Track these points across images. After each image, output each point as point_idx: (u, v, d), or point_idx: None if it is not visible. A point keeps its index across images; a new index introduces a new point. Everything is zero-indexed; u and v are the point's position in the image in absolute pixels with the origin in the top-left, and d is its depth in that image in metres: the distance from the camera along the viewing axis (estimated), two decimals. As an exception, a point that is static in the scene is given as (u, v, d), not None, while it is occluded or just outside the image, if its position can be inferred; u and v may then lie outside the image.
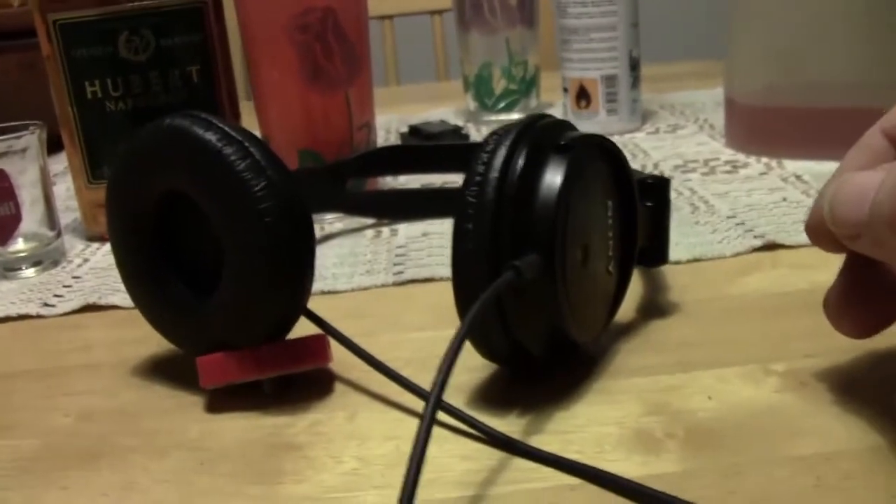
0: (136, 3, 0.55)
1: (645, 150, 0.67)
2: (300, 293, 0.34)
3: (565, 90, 0.73)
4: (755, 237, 0.46)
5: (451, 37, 1.32)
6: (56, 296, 0.49)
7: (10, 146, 0.51)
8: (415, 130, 0.72)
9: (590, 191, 0.33)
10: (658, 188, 0.38)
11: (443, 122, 0.73)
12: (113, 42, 0.55)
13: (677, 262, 0.45)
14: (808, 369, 0.33)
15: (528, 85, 0.80)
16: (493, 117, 0.81)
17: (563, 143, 0.32)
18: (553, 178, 0.31)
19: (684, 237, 0.48)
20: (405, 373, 0.34)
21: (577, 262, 0.32)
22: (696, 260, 0.45)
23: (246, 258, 0.33)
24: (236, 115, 0.59)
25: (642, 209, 0.37)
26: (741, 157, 0.62)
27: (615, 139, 0.70)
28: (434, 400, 0.25)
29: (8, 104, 0.71)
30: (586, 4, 0.69)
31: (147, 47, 0.55)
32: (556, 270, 0.31)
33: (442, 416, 0.32)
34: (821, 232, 0.28)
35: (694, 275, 0.43)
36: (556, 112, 0.79)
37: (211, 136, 0.33)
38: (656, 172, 0.59)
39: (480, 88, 0.81)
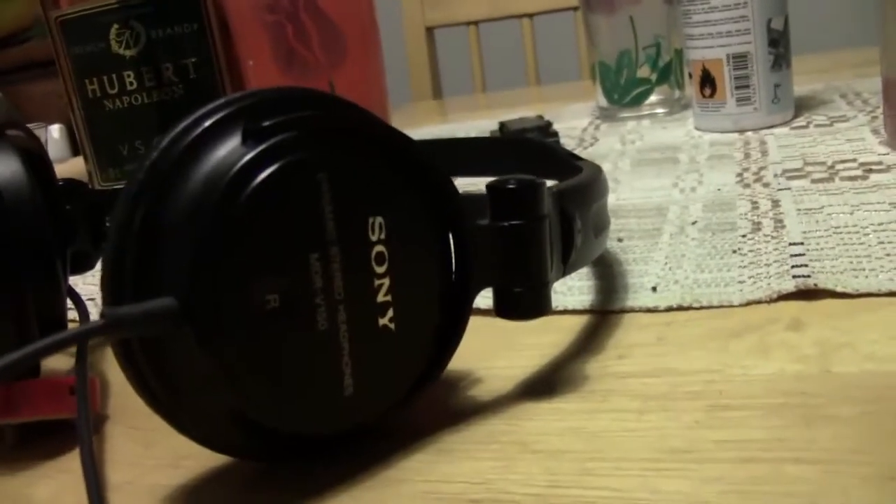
0: (127, -7, 0.50)
1: (766, 149, 0.50)
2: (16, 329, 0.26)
3: (690, 76, 0.58)
4: (794, 277, 0.30)
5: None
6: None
7: None
8: (503, 127, 0.61)
9: (307, 201, 0.21)
10: (524, 198, 0.24)
11: (539, 117, 0.61)
12: (104, 37, 0.50)
13: (650, 310, 0.30)
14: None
15: (664, 72, 0.65)
16: (628, 113, 0.67)
17: (265, 123, 0.21)
18: (214, 182, 0.20)
19: (695, 271, 0.33)
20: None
21: (266, 315, 0.20)
22: (679, 308, 0.30)
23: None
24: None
25: (489, 231, 0.24)
26: (893, 156, 0.44)
27: (746, 136, 0.54)
28: None
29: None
30: (705, -37, 0.54)
31: (137, 40, 0.50)
32: (203, 329, 0.20)
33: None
34: None
35: (659, 332, 0.29)
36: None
37: None
38: (746, 177, 0.44)
39: (605, 79, 0.67)
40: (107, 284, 0.20)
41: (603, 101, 0.68)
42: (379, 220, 0.22)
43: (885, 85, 0.46)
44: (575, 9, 1.07)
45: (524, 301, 0.24)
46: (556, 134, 0.58)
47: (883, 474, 0.19)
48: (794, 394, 0.23)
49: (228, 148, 0.20)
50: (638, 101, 0.66)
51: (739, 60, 0.54)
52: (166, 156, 0.21)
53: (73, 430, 0.27)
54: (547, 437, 0.23)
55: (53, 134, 0.92)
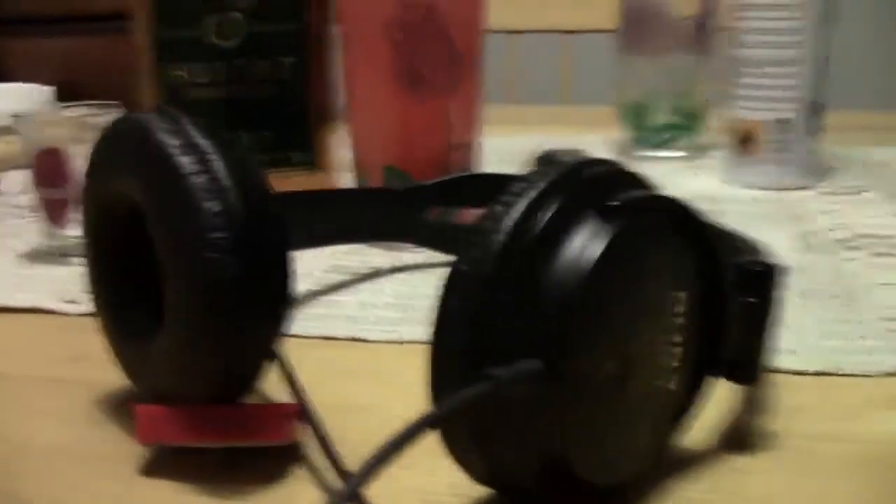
0: (231, -16, 0.50)
1: (810, 213, 0.54)
2: (253, 348, 0.27)
3: (730, 131, 0.62)
4: (919, 354, 0.34)
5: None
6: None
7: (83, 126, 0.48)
8: (548, 156, 0.63)
9: (645, 277, 0.23)
10: (761, 279, 0.27)
11: (581, 151, 0.64)
12: (200, 24, 0.50)
13: (799, 373, 0.34)
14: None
15: (691, 120, 0.69)
16: (648, 153, 0.71)
17: (612, 203, 0.23)
18: (582, 255, 0.22)
19: (820, 337, 0.36)
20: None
21: (608, 378, 0.22)
22: (823, 373, 0.34)
23: (183, 298, 0.26)
24: (326, 119, 0.53)
25: (736, 306, 0.27)
26: (934, 239, 0.49)
27: (779, 195, 0.58)
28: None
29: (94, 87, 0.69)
30: (766, 32, 0.58)
31: (237, 32, 0.50)
32: (563, 389, 0.21)
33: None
34: None
35: (817, 396, 0.32)
36: (716, 157, 0.67)
37: (167, 140, 0.27)
38: (800, 246, 0.48)
39: (637, 119, 0.70)
40: (473, 344, 0.22)
41: (627, 139, 0.72)
42: (683, 294, 0.24)
43: (927, 171, 0.51)
44: (563, 32, 1.10)
45: (754, 369, 0.27)
46: (602, 169, 0.61)
47: None
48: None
49: (590, 225, 0.22)
50: (663, 144, 0.70)
51: (782, 125, 0.59)
52: (528, 223, 0.22)
53: (274, 454, 0.28)
54: (771, 494, 0.26)
55: (43, 97, 0.89)
